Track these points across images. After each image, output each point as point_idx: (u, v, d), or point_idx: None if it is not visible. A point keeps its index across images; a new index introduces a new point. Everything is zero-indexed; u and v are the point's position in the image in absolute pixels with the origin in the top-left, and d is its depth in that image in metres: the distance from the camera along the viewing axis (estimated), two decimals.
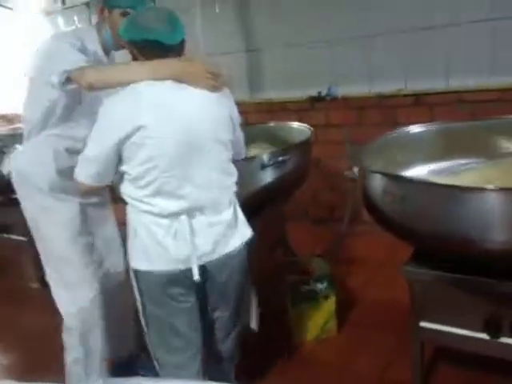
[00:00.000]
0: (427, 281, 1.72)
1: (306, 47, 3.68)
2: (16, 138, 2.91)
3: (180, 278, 1.50)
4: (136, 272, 1.54)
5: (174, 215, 1.47)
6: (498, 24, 2.93)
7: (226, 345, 1.77)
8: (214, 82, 1.51)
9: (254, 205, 2.36)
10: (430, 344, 1.98)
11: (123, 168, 1.48)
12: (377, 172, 1.69)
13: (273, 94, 3.94)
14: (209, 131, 1.49)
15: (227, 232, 1.57)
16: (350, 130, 3.59)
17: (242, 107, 3.93)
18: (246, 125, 3.63)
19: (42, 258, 1.93)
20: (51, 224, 1.86)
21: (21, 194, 1.89)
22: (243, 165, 2.31)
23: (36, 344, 2.58)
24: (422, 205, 1.54)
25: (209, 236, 1.52)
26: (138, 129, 1.38)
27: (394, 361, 2.17)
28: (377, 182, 1.71)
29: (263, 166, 2.26)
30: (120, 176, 1.53)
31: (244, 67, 4.04)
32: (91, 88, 1.55)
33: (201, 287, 1.58)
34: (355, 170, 1.73)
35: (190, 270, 1.49)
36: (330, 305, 2.37)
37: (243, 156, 1.87)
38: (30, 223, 1.91)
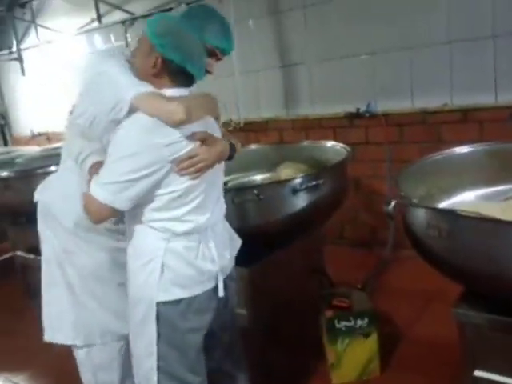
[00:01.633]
0: (480, 324, 1.51)
1: (344, 61, 3.52)
2: (53, 158, 2.88)
3: (206, 302, 1.50)
4: (163, 304, 1.43)
5: (202, 233, 1.47)
6: None
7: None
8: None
9: (287, 230, 2.23)
10: None
11: (166, 190, 1.39)
12: (417, 205, 1.51)
13: (309, 110, 3.79)
14: None
15: (231, 242, 1.65)
16: (391, 148, 3.38)
17: (278, 124, 3.91)
18: (279, 143, 3.59)
19: (47, 309, 1.74)
20: (73, 269, 1.68)
21: (44, 230, 1.73)
22: (274, 189, 2.20)
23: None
24: (470, 241, 1.36)
25: (227, 248, 1.59)
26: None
27: None
28: (418, 215, 1.53)
29: (295, 191, 2.13)
30: (146, 202, 1.41)
31: (280, 83, 3.92)
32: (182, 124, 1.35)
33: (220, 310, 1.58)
34: (392, 204, 1.55)
35: (214, 289, 1.51)
36: (371, 343, 2.16)
37: None
38: (46, 266, 1.73)
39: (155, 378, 1.47)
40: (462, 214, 1.43)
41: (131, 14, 4.41)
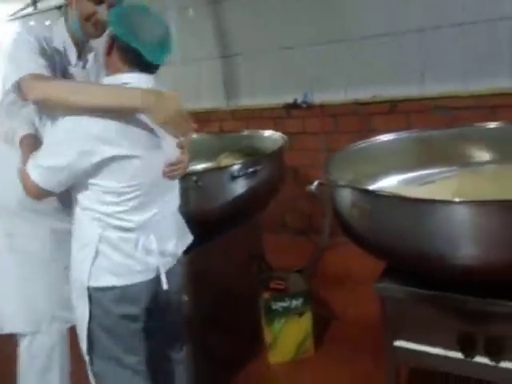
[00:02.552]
0: (399, 298, 1.64)
1: (282, 52, 3.62)
2: None
3: (143, 291, 1.49)
4: (92, 289, 1.43)
5: (142, 229, 1.45)
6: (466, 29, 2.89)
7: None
8: (176, 130, 1.39)
9: (226, 217, 2.28)
10: (405, 365, 1.90)
11: (100, 182, 1.37)
12: (339, 186, 1.62)
13: (249, 101, 3.87)
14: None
15: (180, 236, 1.64)
16: (326, 138, 3.52)
17: (219, 114, 3.95)
18: (219, 133, 3.64)
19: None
20: (16, 255, 1.64)
21: None
22: (213, 176, 2.26)
23: None
24: (388, 219, 1.47)
25: (171, 242, 1.56)
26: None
27: (371, 382, 2.09)
28: (343, 196, 1.63)
29: (233, 177, 2.19)
30: (80, 189, 1.41)
31: (219, 74, 3.97)
32: (37, 103, 1.42)
33: (154, 305, 1.56)
34: (315, 184, 1.65)
35: (153, 280, 1.50)
36: (305, 322, 2.28)
37: None
38: None
39: (88, 359, 1.50)
40: (378, 193, 1.55)
41: None
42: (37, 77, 1.38)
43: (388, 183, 2.11)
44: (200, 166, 2.96)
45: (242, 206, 2.29)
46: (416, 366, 1.85)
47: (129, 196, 1.40)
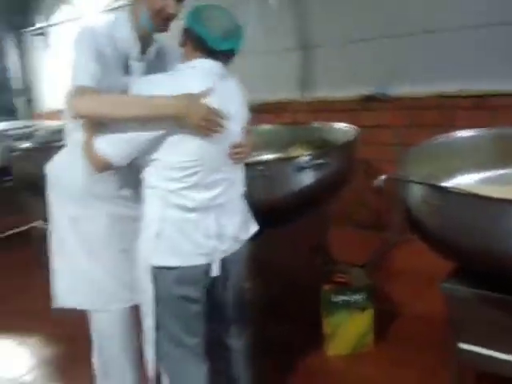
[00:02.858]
0: (466, 299, 1.57)
1: (361, 44, 3.53)
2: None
3: (202, 275, 1.51)
4: (155, 269, 1.49)
5: (204, 209, 1.47)
6: None
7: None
8: (208, 130, 1.41)
9: (291, 208, 2.29)
10: (470, 368, 1.80)
11: (162, 157, 1.43)
12: (408, 181, 1.56)
13: (324, 93, 3.82)
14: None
15: (243, 224, 1.62)
16: (402, 132, 3.40)
17: (293, 106, 3.94)
18: (291, 125, 3.63)
19: (56, 277, 1.79)
20: (78, 237, 1.72)
21: (53, 201, 1.78)
22: (280, 166, 2.27)
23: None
24: (459, 218, 1.40)
25: (232, 228, 1.56)
26: None
27: (432, 382, 2.02)
28: (413, 192, 1.58)
29: (301, 168, 2.18)
30: (145, 167, 1.47)
31: (297, 65, 3.95)
32: (79, 119, 1.48)
33: (214, 289, 1.60)
34: (382, 177, 1.60)
35: (214, 266, 1.52)
36: (367, 318, 2.24)
37: None
38: (55, 236, 1.78)
39: (154, 336, 1.54)
40: (450, 190, 1.48)
41: None
42: (82, 92, 1.43)
43: (465, 181, 2.02)
44: (271, 156, 2.98)
45: (308, 198, 2.29)
46: (481, 371, 1.76)
47: (190, 171, 1.42)
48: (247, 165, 2.36)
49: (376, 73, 3.48)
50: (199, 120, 1.37)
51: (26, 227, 3.85)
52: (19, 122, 5.39)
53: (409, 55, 3.32)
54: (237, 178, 1.60)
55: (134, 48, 1.62)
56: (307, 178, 2.23)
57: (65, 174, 1.72)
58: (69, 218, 1.73)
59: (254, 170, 2.11)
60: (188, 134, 1.39)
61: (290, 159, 2.26)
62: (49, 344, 2.70)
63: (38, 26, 5.47)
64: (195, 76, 1.45)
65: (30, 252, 3.44)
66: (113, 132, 1.41)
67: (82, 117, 1.46)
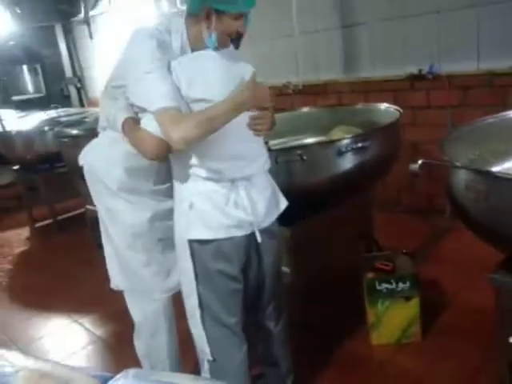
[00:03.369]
0: None
1: (406, 20, 3.35)
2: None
3: (236, 248, 1.55)
4: (194, 243, 1.53)
5: (232, 181, 1.52)
6: None
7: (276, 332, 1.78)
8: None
9: (332, 193, 2.24)
10: None
11: None
12: (450, 165, 1.47)
13: (369, 72, 3.68)
14: None
15: (272, 199, 1.64)
16: (453, 112, 3.22)
17: (337, 87, 3.83)
18: (333, 107, 3.53)
19: (108, 260, 1.87)
20: (116, 227, 1.77)
21: (91, 190, 1.83)
22: (318, 150, 2.21)
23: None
24: (506, 205, 1.30)
25: (262, 202, 1.58)
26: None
27: (479, 378, 1.92)
28: (457, 177, 1.48)
29: (340, 153, 2.12)
30: None
31: (339, 44, 3.82)
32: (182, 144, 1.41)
33: (253, 263, 1.64)
34: (419, 162, 1.51)
35: (247, 238, 1.56)
36: (413, 307, 2.16)
37: None
38: (100, 222, 1.85)
39: (198, 315, 1.59)
40: (499, 175, 1.37)
41: None
42: (170, 117, 1.39)
43: None
44: (311, 140, 2.92)
45: (350, 183, 2.22)
46: None
47: (210, 144, 1.45)
48: (284, 149, 2.36)
49: (424, 50, 3.30)
50: (266, 102, 1.47)
51: (81, 210, 4.01)
52: (72, 109, 5.57)
53: (458, 31, 3.12)
54: (260, 152, 1.62)
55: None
56: (348, 162, 2.17)
57: (101, 167, 1.75)
58: (106, 209, 1.78)
59: (293, 155, 2.08)
60: (202, 102, 1.44)
61: (329, 143, 2.20)
62: (103, 322, 2.80)
63: (83, 15, 5.58)
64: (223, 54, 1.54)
65: (86, 233, 3.60)
66: (201, 136, 1.42)
67: (183, 143, 1.39)
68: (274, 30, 4.17)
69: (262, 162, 1.62)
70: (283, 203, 1.72)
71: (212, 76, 1.50)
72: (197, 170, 1.51)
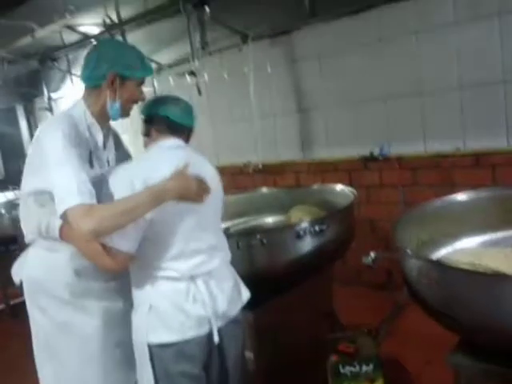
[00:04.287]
0: (474, 374, 1.49)
1: (358, 105, 3.61)
2: None
3: (198, 348, 1.50)
4: (154, 347, 1.47)
5: (191, 278, 1.50)
6: None
7: None
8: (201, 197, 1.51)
9: (291, 275, 2.27)
10: None
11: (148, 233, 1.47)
12: (403, 255, 1.54)
13: (325, 153, 3.87)
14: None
15: (234, 290, 1.64)
16: (405, 191, 3.40)
17: (295, 167, 3.99)
18: (291, 187, 3.66)
19: (49, 380, 1.69)
20: (68, 342, 1.62)
21: (32, 306, 1.66)
22: (277, 234, 2.26)
23: None
24: (457, 292, 1.36)
25: (222, 297, 1.57)
26: None
27: None
28: (411, 264, 1.55)
29: (299, 236, 2.18)
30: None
31: (296, 127, 4.03)
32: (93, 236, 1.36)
33: (213, 360, 1.59)
34: (372, 254, 1.58)
35: (208, 336, 1.52)
36: None
37: None
38: (40, 341, 1.68)
39: None
40: (443, 265, 1.45)
41: (158, 63, 4.65)
42: (84, 211, 1.33)
43: (468, 244, 1.98)
44: (271, 219, 2.99)
45: (308, 264, 2.27)
46: None
47: (169, 243, 1.48)
48: (244, 234, 2.41)
49: (374, 133, 3.53)
50: (195, 193, 1.47)
51: None
52: None
53: (405, 116, 3.37)
54: (219, 244, 1.64)
55: (99, 135, 1.63)
56: (307, 245, 2.22)
57: (45, 277, 1.60)
58: (57, 324, 1.63)
59: (252, 239, 2.12)
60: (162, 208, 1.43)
61: (287, 227, 2.26)
62: None
63: (46, 99, 5.67)
64: (165, 154, 1.57)
65: None
66: (115, 228, 1.37)
67: (94, 235, 1.35)
68: (234, 112, 4.37)
69: (223, 255, 1.63)
70: (246, 294, 1.71)
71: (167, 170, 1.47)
72: (155, 270, 1.49)
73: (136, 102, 1.63)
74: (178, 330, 1.47)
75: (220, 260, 1.61)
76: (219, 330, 1.55)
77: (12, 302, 4.16)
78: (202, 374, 1.55)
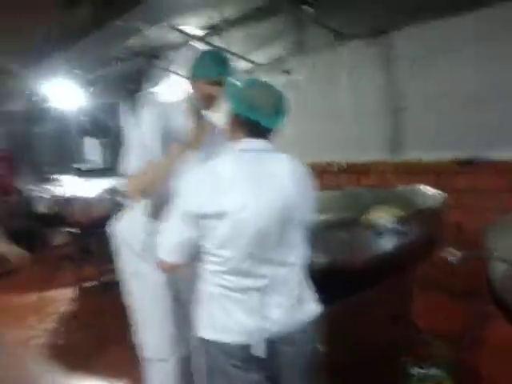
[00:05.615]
0: None
1: (452, 108, 3.47)
2: None
3: (245, 353, 1.47)
4: (201, 340, 1.53)
5: (247, 291, 1.47)
6: None
7: None
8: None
9: (370, 273, 2.25)
10: None
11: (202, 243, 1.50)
12: (490, 257, 1.49)
13: (413, 155, 3.77)
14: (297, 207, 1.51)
15: (295, 308, 1.53)
16: (500, 197, 3.21)
17: (380, 167, 3.92)
18: (375, 187, 3.60)
19: (133, 317, 2.04)
20: (141, 289, 1.96)
21: (117, 257, 2.04)
22: (358, 231, 2.26)
23: None
24: None
25: (278, 311, 1.49)
26: (219, 213, 1.42)
27: None
28: (495, 267, 1.49)
29: (381, 234, 2.16)
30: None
31: (386, 127, 3.96)
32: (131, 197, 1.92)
33: (268, 366, 1.51)
34: (456, 252, 1.53)
35: (256, 345, 1.46)
36: None
37: None
38: (124, 287, 2.04)
39: None
40: None
41: (252, 62, 4.79)
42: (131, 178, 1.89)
43: None
44: (353, 218, 2.97)
45: (389, 263, 2.24)
46: None
47: (223, 258, 1.45)
48: (327, 228, 2.42)
49: (471, 135, 3.37)
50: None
51: None
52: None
53: (508, 119, 3.18)
54: (291, 258, 1.53)
55: (186, 124, 1.91)
56: (387, 244, 2.20)
57: (127, 232, 1.99)
58: (129, 273, 1.99)
59: (332, 233, 2.14)
60: (221, 225, 1.42)
61: (368, 224, 2.25)
62: None
63: (146, 93, 6.07)
64: (239, 159, 1.49)
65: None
66: (170, 240, 1.53)
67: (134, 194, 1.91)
68: (321, 110, 4.40)
69: (290, 269, 1.53)
70: (312, 309, 1.59)
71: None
72: (211, 275, 1.49)
73: (209, 99, 1.87)
74: (222, 332, 1.46)
75: (286, 273, 1.51)
76: (275, 342, 1.48)
77: (104, 280, 4.51)
78: (256, 371, 1.50)
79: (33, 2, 7.26)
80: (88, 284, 4.61)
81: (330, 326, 2.19)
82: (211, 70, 1.87)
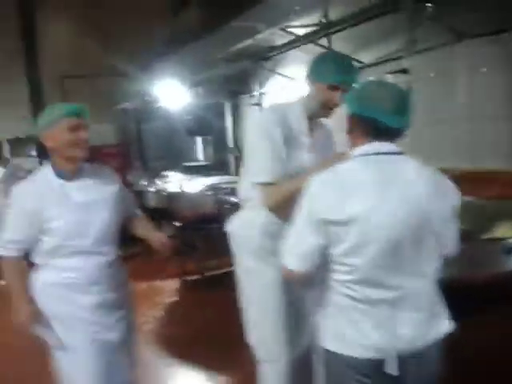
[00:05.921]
0: None
1: None
2: None
3: (373, 369, 1.40)
4: (326, 352, 1.48)
5: (376, 303, 1.40)
6: None
7: None
8: None
9: (495, 291, 2.09)
10: None
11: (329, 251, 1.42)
12: None
13: None
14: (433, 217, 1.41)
15: (427, 323, 1.44)
16: None
17: (503, 177, 3.59)
18: (500, 199, 3.30)
19: (245, 316, 2.04)
20: (253, 287, 1.96)
21: (233, 254, 2.05)
22: (483, 245, 2.10)
23: None
24: None
25: (409, 327, 1.41)
26: (347, 218, 1.35)
27: None
28: None
29: (509, 251, 1.99)
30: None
31: (509, 133, 3.64)
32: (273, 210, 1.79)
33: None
34: None
35: (384, 362, 1.39)
36: None
37: None
38: (239, 283, 2.05)
39: None
40: None
41: (360, 62, 4.65)
42: (266, 191, 1.78)
43: None
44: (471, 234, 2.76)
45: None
46: None
47: (350, 268, 1.38)
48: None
49: None
50: None
51: (228, 269, 4.22)
52: (228, 176, 6.07)
53: None
54: (426, 269, 1.43)
55: (303, 126, 1.89)
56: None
57: (242, 232, 1.99)
58: (244, 269, 1.99)
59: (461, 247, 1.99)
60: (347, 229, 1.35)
61: (495, 240, 2.08)
62: None
63: (253, 94, 6.14)
64: (366, 163, 1.41)
65: (228, 294, 3.74)
66: (295, 247, 1.45)
67: (273, 209, 1.78)
68: (436, 113, 4.16)
69: (427, 284, 1.44)
70: (445, 325, 1.49)
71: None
72: (337, 284, 1.44)
73: (331, 106, 1.82)
74: (347, 344, 1.41)
75: (419, 286, 1.42)
76: (404, 360, 1.40)
77: (207, 274, 4.67)
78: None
79: (148, 7, 7.73)
80: (190, 277, 4.80)
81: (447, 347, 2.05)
82: (335, 75, 1.78)
